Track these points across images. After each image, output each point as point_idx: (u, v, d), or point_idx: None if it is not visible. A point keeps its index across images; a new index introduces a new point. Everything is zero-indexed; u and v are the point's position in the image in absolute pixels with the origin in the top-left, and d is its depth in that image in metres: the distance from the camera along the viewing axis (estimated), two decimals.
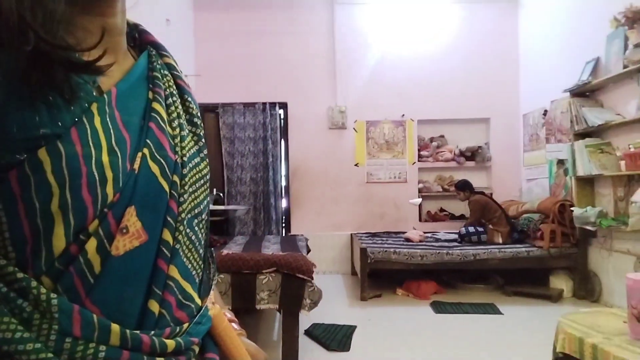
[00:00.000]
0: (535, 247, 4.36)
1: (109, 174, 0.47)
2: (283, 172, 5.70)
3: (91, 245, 0.45)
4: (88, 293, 0.45)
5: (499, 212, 4.69)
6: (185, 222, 0.54)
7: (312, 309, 2.72)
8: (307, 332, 3.36)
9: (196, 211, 0.57)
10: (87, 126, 0.46)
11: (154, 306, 0.50)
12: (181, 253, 0.54)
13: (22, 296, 0.42)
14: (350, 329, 3.43)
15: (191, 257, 0.56)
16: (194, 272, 0.57)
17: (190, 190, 0.56)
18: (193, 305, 0.56)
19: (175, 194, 0.54)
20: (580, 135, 4.17)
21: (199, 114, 0.63)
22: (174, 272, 0.53)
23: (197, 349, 0.56)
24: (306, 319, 3.40)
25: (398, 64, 5.70)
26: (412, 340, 3.23)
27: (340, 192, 5.70)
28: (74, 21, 0.47)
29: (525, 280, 4.68)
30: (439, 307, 4.01)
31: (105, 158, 0.46)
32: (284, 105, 5.70)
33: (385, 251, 4.36)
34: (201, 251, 0.59)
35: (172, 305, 0.52)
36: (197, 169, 0.58)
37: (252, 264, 2.68)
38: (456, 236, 4.82)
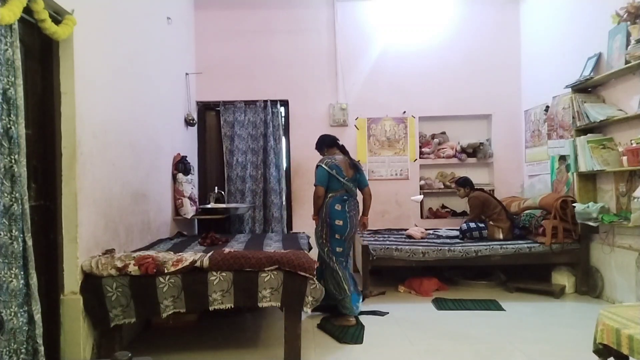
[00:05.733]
0: (537, 243, 4.36)
1: None
2: (284, 170, 5.69)
3: None
4: None
5: (498, 208, 4.69)
6: None
7: (314, 306, 2.72)
8: (320, 326, 3.47)
9: None
10: None
11: None
12: None
13: None
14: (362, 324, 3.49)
15: None
16: None
17: None
18: None
19: None
20: (582, 131, 4.16)
21: None
22: None
23: None
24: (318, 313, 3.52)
25: (399, 60, 5.68)
26: (414, 337, 3.24)
27: None
28: None
29: (527, 277, 4.68)
30: (441, 304, 4.02)
31: None
32: (285, 103, 5.70)
33: (387, 248, 4.37)
34: None
35: None
36: None
37: (254, 261, 2.69)
38: (458, 233, 4.82)
